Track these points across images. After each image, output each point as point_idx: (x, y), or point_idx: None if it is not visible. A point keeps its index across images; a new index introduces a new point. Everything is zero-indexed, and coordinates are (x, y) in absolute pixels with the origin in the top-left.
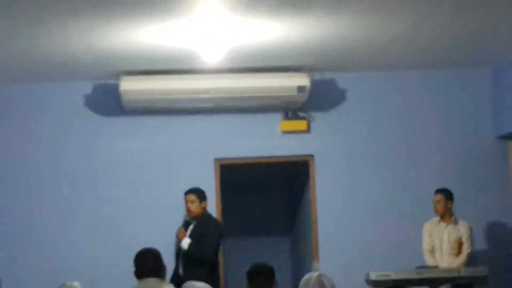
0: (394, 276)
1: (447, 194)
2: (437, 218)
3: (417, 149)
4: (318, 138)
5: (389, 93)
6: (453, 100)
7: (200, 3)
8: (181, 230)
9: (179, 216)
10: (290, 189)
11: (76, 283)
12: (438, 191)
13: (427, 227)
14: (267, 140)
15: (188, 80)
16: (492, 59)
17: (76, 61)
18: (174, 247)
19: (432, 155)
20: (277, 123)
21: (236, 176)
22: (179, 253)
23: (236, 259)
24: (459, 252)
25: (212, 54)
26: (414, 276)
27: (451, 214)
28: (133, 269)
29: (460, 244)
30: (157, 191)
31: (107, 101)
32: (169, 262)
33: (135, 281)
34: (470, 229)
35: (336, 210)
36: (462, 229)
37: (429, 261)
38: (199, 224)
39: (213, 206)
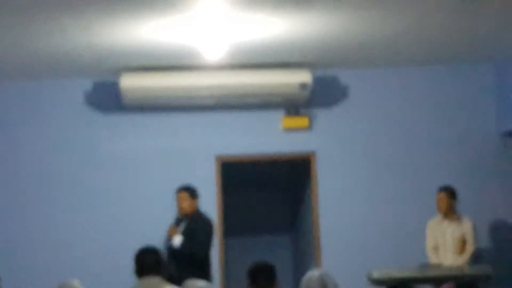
0: (397, 274)
1: (450, 192)
2: (441, 216)
3: (420, 145)
4: (320, 135)
5: (392, 89)
6: (456, 96)
7: None
8: (172, 228)
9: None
10: (291, 186)
11: (75, 282)
12: (441, 189)
13: (431, 225)
14: (269, 137)
15: (189, 76)
16: (496, 56)
17: (76, 58)
18: (166, 244)
19: (435, 152)
20: (279, 120)
21: (237, 174)
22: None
23: (237, 258)
24: (462, 250)
25: (213, 51)
26: (417, 274)
27: (454, 212)
28: (133, 268)
29: (463, 242)
30: (158, 188)
31: (108, 98)
32: None
33: (135, 280)
34: (474, 227)
35: (338, 207)
36: (465, 227)
37: (433, 259)
38: (190, 221)
39: (214, 204)
